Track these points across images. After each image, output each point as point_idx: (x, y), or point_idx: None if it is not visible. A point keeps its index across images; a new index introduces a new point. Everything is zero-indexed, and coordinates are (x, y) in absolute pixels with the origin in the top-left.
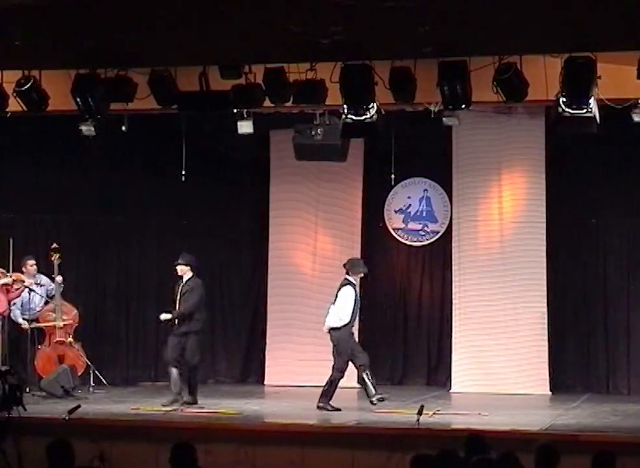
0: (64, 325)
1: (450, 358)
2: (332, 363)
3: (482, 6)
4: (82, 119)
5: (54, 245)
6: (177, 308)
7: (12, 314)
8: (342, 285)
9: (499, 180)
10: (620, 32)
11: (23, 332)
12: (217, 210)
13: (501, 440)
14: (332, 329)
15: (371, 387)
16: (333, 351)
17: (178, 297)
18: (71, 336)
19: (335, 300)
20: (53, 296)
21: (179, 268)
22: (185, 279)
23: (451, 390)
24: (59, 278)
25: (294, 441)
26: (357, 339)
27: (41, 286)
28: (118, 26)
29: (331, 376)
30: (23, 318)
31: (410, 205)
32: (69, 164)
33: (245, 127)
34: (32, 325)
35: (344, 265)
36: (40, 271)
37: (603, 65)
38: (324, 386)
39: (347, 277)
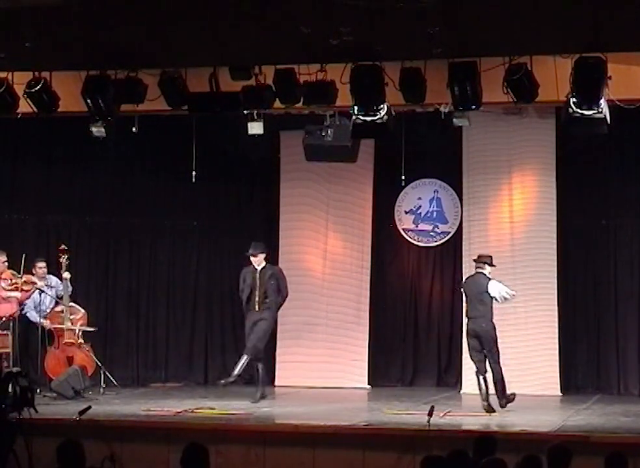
0: (72, 326)
1: (460, 359)
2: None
3: (492, 7)
4: (93, 121)
5: (63, 246)
6: (258, 295)
7: (27, 314)
8: (487, 280)
9: (510, 181)
10: (631, 32)
11: (43, 329)
12: (227, 211)
13: (512, 441)
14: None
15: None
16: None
17: (258, 283)
18: (80, 337)
19: (480, 295)
20: (62, 297)
21: (257, 258)
22: (260, 267)
23: (461, 391)
24: (67, 274)
25: (305, 441)
26: (368, 339)
27: (51, 287)
28: (128, 27)
29: (494, 374)
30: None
31: (420, 206)
32: (79, 165)
33: (255, 128)
34: (51, 326)
35: (481, 260)
36: (50, 272)
37: (614, 65)
38: (495, 387)
39: (483, 271)
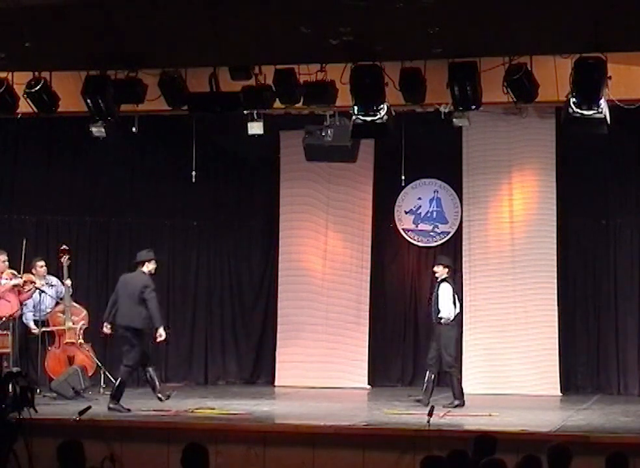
0: (72, 326)
1: (460, 359)
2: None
3: (492, 7)
4: (93, 121)
5: (64, 246)
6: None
7: (23, 318)
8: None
9: (510, 181)
10: (631, 32)
11: (33, 335)
12: (227, 211)
13: (512, 441)
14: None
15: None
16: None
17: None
18: (81, 337)
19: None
20: (63, 297)
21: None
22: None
23: None
24: (68, 282)
25: (305, 441)
26: (368, 339)
27: (51, 287)
28: (128, 27)
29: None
30: (34, 320)
31: (420, 206)
32: (79, 165)
33: (255, 128)
34: (42, 329)
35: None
36: (50, 272)
37: (614, 65)
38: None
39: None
